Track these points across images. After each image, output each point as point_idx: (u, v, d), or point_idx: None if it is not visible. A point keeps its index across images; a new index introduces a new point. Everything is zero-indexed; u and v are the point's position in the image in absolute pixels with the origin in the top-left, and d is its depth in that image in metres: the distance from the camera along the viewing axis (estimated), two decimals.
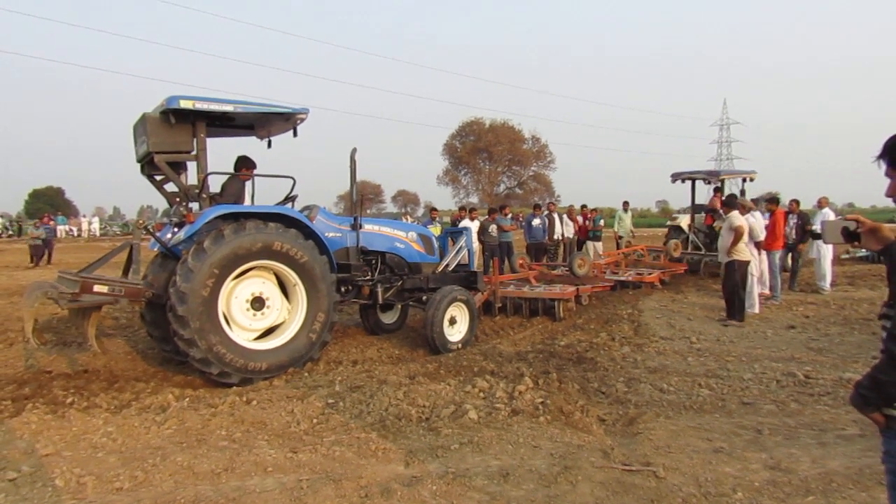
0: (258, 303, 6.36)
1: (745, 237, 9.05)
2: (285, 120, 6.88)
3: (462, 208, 15.94)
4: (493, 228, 13.75)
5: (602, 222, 16.59)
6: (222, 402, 5.13)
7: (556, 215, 15.83)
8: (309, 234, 6.59)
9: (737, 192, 15.34)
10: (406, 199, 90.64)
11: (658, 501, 3.46)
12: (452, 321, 7.57)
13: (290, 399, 5.24)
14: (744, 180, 16.85)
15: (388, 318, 8.89)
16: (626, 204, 17.82)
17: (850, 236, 2.22)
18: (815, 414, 4.94)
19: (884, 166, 1.98)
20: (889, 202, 2.11)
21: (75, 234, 42.29)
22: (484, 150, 59.70)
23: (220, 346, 5.87)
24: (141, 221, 7.13)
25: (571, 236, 15.88)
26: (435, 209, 15.98)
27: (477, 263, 13.44)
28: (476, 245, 13.40)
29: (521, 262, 12.75)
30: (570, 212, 16.28)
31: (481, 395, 5.29)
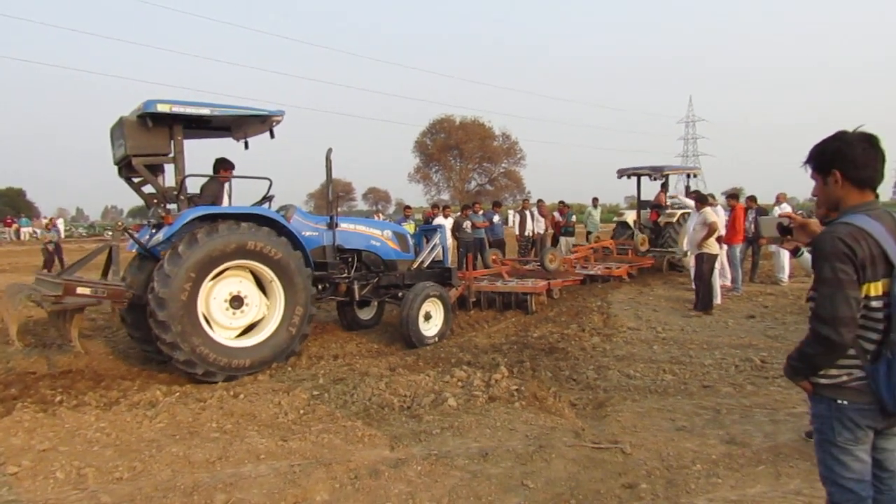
0: (237, 301, 6.49)
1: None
2: (261, 122, 7.00)
3: (434, 206, 16.20)
4: (467, 225, 14.04)
5: (574, 218, 16.98)
6: (210, 397, 5.32)
7: (527, 212, 16.19)
8: (284, 232, 6.72)
9: (682, 188, 15.87)
10: (377, 197, 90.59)
11: (625, 474, 3.78)
12: (427, 316, 7.79)
13: (277, 392, 5.45)
14: (688, 176, 17.38)
15: (365, 314, 9.09)
16: (595, 200, 18.27)
17: (784, 231, 2.54)
18: (768, 395, 5.33)
19: (810, 170, 2.30)
20: None
21: (38, 235, 41.36)
22: (454, 147, 59.96)
23: (203, 346, 6.00)
24: (120, 223, 7.21)
25: (542, 232, 16.25)
26: (409, 207, 16.20)
27: (452, 259, 13.76)
28: (450, 241, 13.70)
29: (493, 257, 13.04)
30: (541, 208, 16.63)
31: (459, 384, 5.56)
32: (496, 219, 15.38)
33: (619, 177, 15.99)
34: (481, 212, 15.28)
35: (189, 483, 3.68)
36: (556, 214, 16.68)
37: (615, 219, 17.93)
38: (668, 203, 15.72)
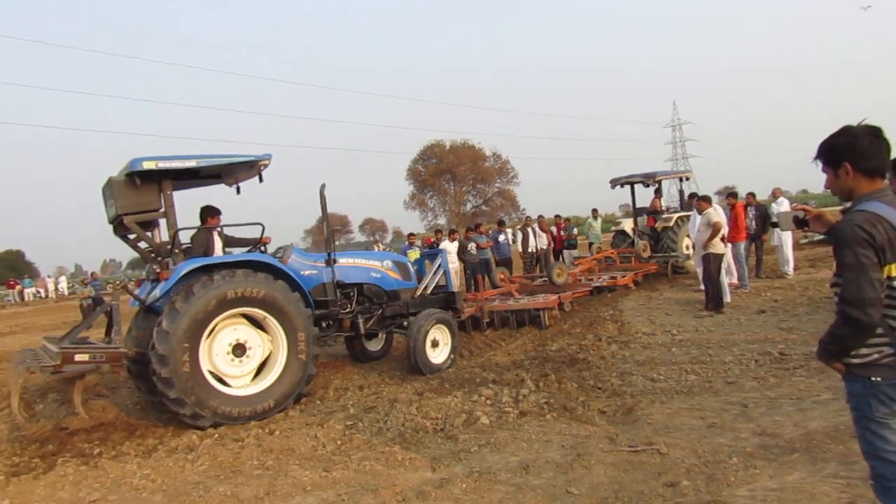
0: (239, 349, 6.41)
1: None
2: (249, 167, 6.99)
3: (438, 231, 16.35)
4: (471, 247, 14.19)
5: (575, 231, 17.15)
6: (247, 436, 5.41)
7: (529, 229, 16.36)
8: (281, 275, 6.67)
9: (675, 192, 16.09)
10: (374, 227, 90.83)
11: (665, 473, 3.88)
12: (434, 343, 7.73)
13: (311, 426, 5.54)
14: (681, 180, 17.60)
15: (374, 345, 9.01)
16: (594, 211, 18.46)
17: (800, 223, 2.69)
18: (792, 385, 5.44)
19: (820, 164, 2.46)
20: None
21: (42, 295, 41.46)
22: (447, 171, 60.45)
23: (206, 398, 5.96)
24: (118, 282, 7.29)
25: (545, 247, 16.41)
26: (412, 234, 16.39)
27: (459, 282, 13.88)
28: (458, 265, 13.85)
29: (501, 276, 13.14)
30: (541, 223, 16.80)
31: (488, 402, 5.66)
32: (501, 237, 15.55)
33: (613, 186, 16.17)
34: (486, 232, 15.44)
35: None
36: (554, 229, 16.86)
37: (612, 228, 18.05)
38: (665, 208, 15.92)
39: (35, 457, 5.59)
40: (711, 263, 9.59)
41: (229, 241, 7.43)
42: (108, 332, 6.69)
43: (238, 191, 7.57)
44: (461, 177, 60.41)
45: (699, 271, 10.56)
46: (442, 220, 59.44)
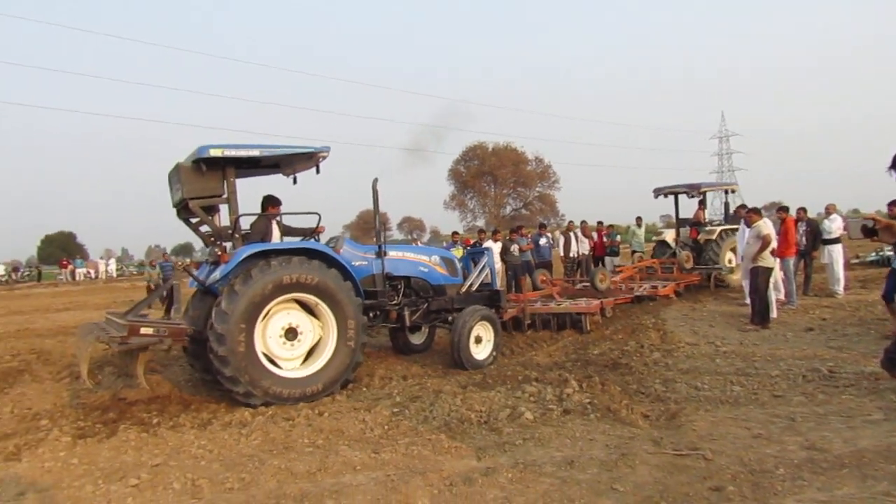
0: (291, 333, 6.66)
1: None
2: (308, 158, 7.25)
3: (481, 231, 16.47)
4: (514, 248, 14.27)
5: (619, 238, 17.05)
6: (298, 415, 5.62)
7: (571, 234, 16.36)
8: (334, 263, 6.89)
9: (719, 204, 15.81)
10: (412, 226, 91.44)
11: (710, 478, 3.91)
12: (478, 340, 7.89)
13: (358, 410, 5.72)
14: (726, 192, 17.25)
15: (417, 339, 9.21)
16: (639, 219, 18.31)
17: (869, 232, 2.73)
18: (841, 403, 5.37)
19: (895, 175, 2.49)
20: None
21: (93, 276, 43.03)
22: (488, 173, 60.57)
23: (259, 377, 6.21)
24: (181, 263, 7.57)
25: (587, 253, 16.37)
26: (456, 232, 16.55)
27: (501, 282, 13.96)
28: (500, 265, 13.93)
29: (542, 278, 13.08)
30: (583, 228, 16.77)
31: (532, 398, 5.75)
32: (542, 241, 15.57)
33: (656, 196, 16.00)
34: (527, 235, 15.49)
35: (297, 491, 3.95)
36: (595, 235, 16.79)
37: (654, 238, 17.83)
38: (708, 220, 15.69)
39: (98, 422, 5.93)
40: (759, 277, 9.46)
41: (286, 230, 7.67)
42: (167, 311, 6.98)
43: (295, 181, 7.80)
44: (502, 179, 60.43)
45: (745, 284, 10.44)
46: (480, 222, 59.53)
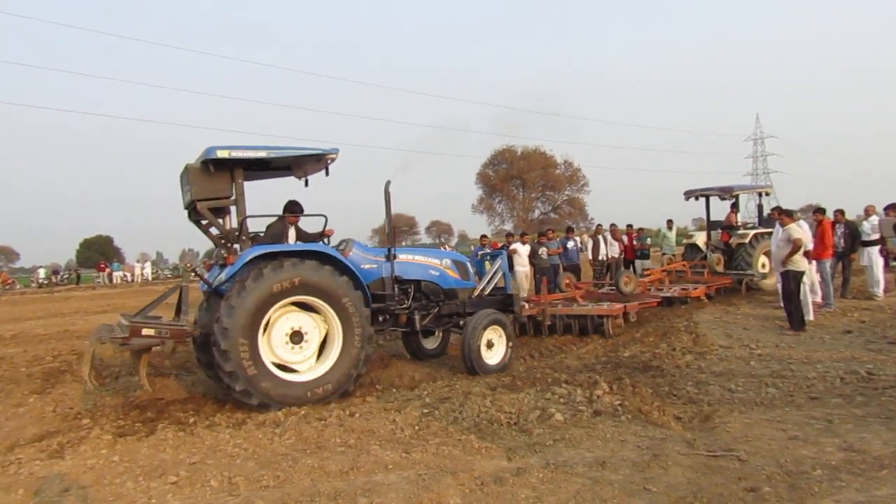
0: (297, 336, 6.61)
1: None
2: (317, 160, 7.19)
3: (509, 234, 16.47)
4: (542, 251, 14.23)
5: (649, 241, 16.86)
6: (330, 415, 5.69)
7: (600, 237, 16.24)
8: (341, 266, 6.83)
9: (754, 207, 15.43)
10: (440, 230, 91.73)
11: (745, 479, 3.87)
12: (489, 345, 7.75)
13: (389, 411, 5.77)
14: (760, 195, 16.77)
15: (430, 343, 9.04)
16: (670, 222, 18.09)
17: None
18: (881, 405, 5.26)
19: None
20: None
21: (129, 279, 44.07)
22: (517, 177, 60.49)
23: (261, 379, 6.21)
24: (188, 265, 7.62)
25: (617, 256, 16.22)
26: (485, 236, 16.56)
27: (529, 285, 13.94)
28: (528, 268, 13.92)
29: (567, 281, 12.87)
30: (613, 231, 16.64)
31: (561, 400, 5.73)
32: (570, 244, 15.49)
33: (687, 198, 15.68)
34: (555, 239, 15.44)
35: (330, 489, 4.01)
36: (625, 238, 16.63)
37: (684, 241, 17.52)
38: (741, 224, 15.38)
39: (137, 422, 6.10)
40: (791, 281, 9.25)
41: (301, 236, 7.58)
42: (177, 313, 6.92)
43: (307, 183, 7.72)
44: (531, 183, 60.31)
45: (779, 287, 10.24)
46: (508, 226, 59.44)
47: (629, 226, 17.69)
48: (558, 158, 61.20)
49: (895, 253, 13.58)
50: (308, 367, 6.68)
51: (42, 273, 45.44)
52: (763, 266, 14.30)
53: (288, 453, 4.82)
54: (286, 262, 6.48)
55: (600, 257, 16.14)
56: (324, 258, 6.81)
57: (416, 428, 5.26)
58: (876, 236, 12.12)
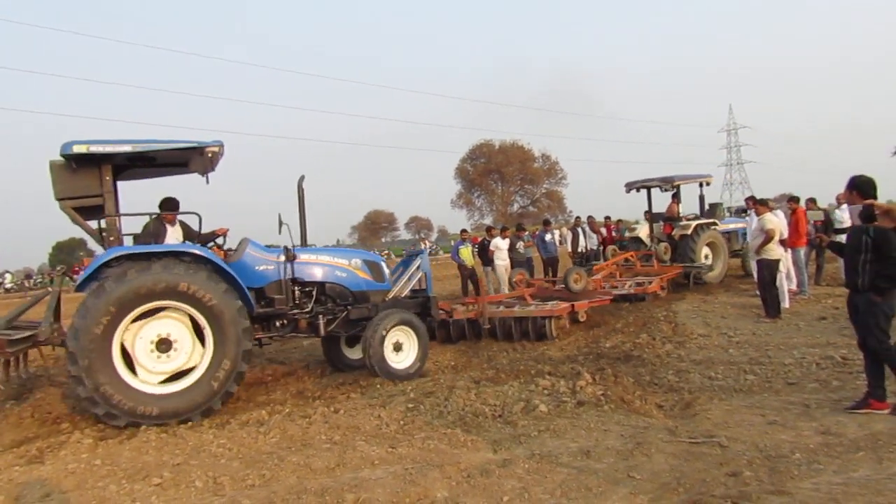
0: (164, 344, 6.09)
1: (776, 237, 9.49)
2: (200, 155, 6.55)
3: (490, 228, 16.50)
4: (520, 245, 14.32)
5: (627, 233, 17.01)
6: (314, 413, 5.67)
7: (579, 229, 16.37)
8: (219, 269, 6.31)
9: (697, 197, 15.36)
10: (420, 225, 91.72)
11: (727, 464, 3.95)
12: (398, 347, 7.25)
13: (373, 406, 5.77)
14: (700, 184, 16.52)
15: (356, 353, 8.03)
16: (647, 213, 18.26)
17: (868, 218, 2.75)
18: (856, 389, 5.38)
19: None
20: None
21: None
22: (495, 171, 60.68)
23: (108, 386, 5.74)
24: (59, 269, 7.31)
25: (595, 248, 16.36)
26: (465, 230, 16.60)
27: (508, 278, 13.98)
28: (507, 262, 13.97)
29: (518, 277, 12.06)
30: (591, 223, 16.75)
31: (545, 392, 5.79)
32: (548, 237, 15.59)
33: (628, 190, 15.29)
34: (526, 233, 15.49)
35: (317, 486, 4.01)
36: (604, 230, 16.76)
37: (626, 233, 16.80)
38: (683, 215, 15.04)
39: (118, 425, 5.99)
40: (765, 269, 9.42)
41: (191, 235, 7.12)
42: (56, 319, 6.59)
43: (207, 181, 7.05)
44: (509, 177, 60.54)
45: (755, 276, 10.40)
46: (488, 220, 59.62)
47: (607, 217, 17.83)
48: (536, 152, 61.59)
49: None
50: (153, 380, 6.07)
51: (9, 278, 44.23)
52: (706, 257, 14.15)
53: (273, 452, 4.79)
54: (155, 264, 6.01)
55: (580, 249, 16.28)
56: (198, 259, 6.28)
57: (402, 423, 5.27)
58: (849, 224, 12.38)
